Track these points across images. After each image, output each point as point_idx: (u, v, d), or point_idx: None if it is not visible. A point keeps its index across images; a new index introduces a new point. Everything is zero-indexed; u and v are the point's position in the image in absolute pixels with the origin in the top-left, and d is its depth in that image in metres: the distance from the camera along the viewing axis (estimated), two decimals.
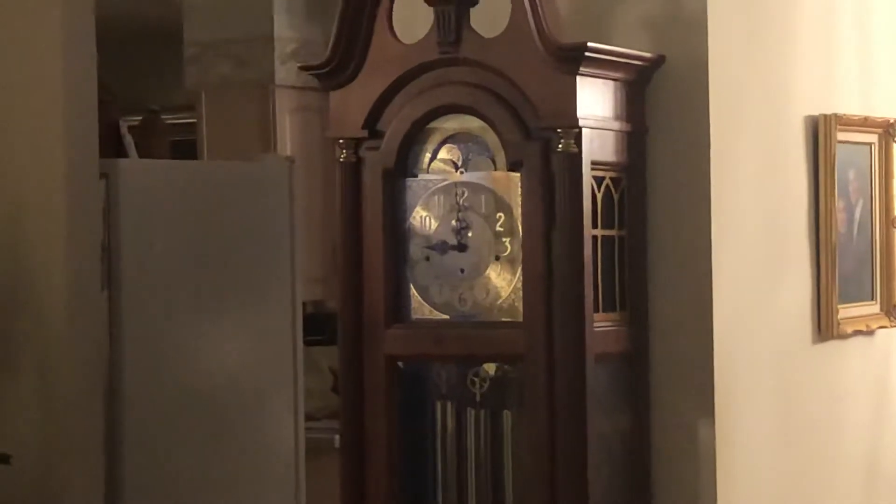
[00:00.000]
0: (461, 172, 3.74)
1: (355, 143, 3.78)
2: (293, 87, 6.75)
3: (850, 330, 4.29)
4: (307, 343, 5.41)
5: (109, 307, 4.52)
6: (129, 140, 5.11)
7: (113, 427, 4.50)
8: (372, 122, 3.76)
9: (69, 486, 4.29)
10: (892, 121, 4.49)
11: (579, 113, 3.57)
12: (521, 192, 3.64)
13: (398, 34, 3.75)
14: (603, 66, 3.64)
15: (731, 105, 3.87)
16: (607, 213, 3.71)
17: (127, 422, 4.53)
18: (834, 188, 4.21)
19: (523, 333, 3.63)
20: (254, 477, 4.90)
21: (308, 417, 5.31)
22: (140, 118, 6.07)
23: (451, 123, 3.73)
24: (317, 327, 6.62)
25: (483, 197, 3.72)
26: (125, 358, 4.53)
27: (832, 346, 4.26)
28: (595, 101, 3.64)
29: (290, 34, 6.79)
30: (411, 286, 3.77)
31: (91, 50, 4.39)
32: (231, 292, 4.87)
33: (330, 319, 6.12)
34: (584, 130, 3.58)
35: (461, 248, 3.73)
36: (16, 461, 4.10)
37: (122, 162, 4.81)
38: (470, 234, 3.72)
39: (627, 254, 3.78)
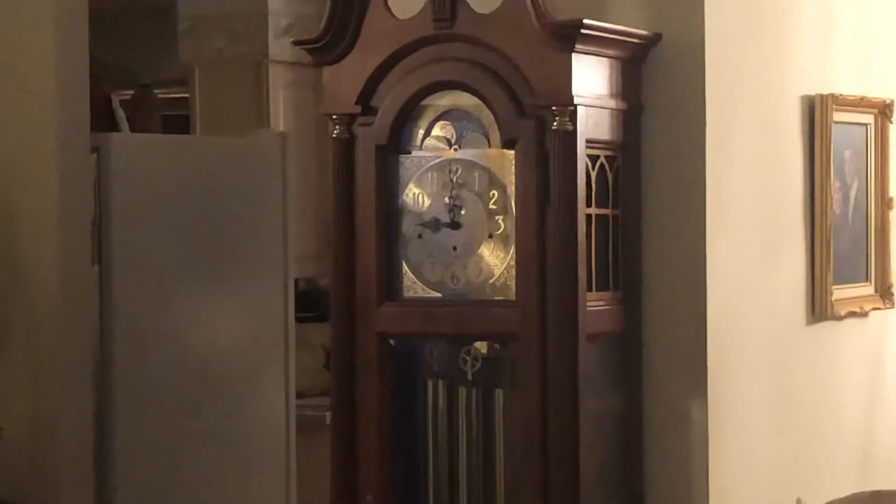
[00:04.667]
0: (455, 149, 3.71)
1: (349, 119, 3.75)
2: (287, 63, 6.70)
3: (843, 311, 4.28)
4: (300, 320, 5.38)
5: (100, 282, 4.50)
6: (121, 114, 5.08)
7: (103, 402, 4.48)
8: (365, 98, 3.73)
9: (59, 461, 4.27)
10: (888, 101, 4.47)
11: (574, 90, 3.55)
12: (515, 169, 3.62)
13: (393, 9, 3.72)
14: (599, 43, 3.62)
15: (727, 84, 3.85)
16: (601, 191, 3.69)
17: (117, 397, 4.51)
18: (830, 168, 4.19)
19: (516, 312, 3.61)
20: (245, 453, 4.88)
21: (300, 394, 5.29)
22: (132, 92, 6.04)
23: (445, 100, 3.71)
24: (310, 304, 6.60)
25: (477, 174, 3.69)
26: (116, 333, 4.51)
27: (826, 327, 4.24)
28: (590, 78, 3.62)
29: (285, 8, 6.74)
30: (404, 264, 3.75)
31: (83, 23, 4.36)
32: (223, 268, 4.84)
33: (323, 296, 6.10)
34: (579, 108, 3.56)
35: (454, 225, 3.71)
36: (6, 435, 4.08)
37: (114, 136, 4.78)
38: (463, 212, 3.70)
39: (621, 233, 3.76)
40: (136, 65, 7.12)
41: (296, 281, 5.32)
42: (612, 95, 3.70)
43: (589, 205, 3.64)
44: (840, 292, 4.25)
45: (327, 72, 3.78)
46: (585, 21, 3.54)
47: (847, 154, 4.33)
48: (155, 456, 4.62)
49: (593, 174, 3.66)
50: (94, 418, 4.40)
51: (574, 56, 3.55)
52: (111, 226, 4.51)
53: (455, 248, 3.71)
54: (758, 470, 3.97)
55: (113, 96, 5.24)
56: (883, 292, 4.48)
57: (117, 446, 4.52)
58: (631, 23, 3.75)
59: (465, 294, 3.70)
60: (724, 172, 3.84)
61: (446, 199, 3.72)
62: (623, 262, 3.77)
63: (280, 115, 6.71)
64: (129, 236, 4.56)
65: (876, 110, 4.45)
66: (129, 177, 4.57)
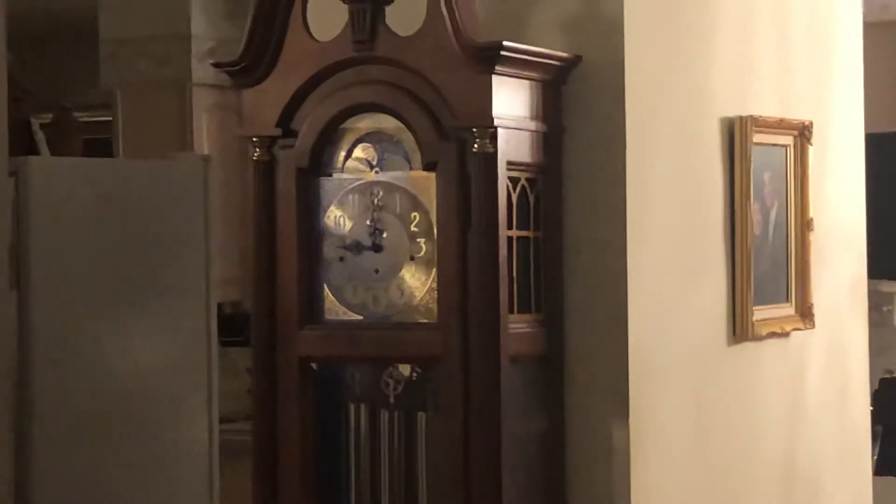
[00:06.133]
0: (376, 172, 3.70)
1: (269, 142, 3.73)
2: (211, 86, 6.69)
3: (765, 332, 4.30)
4: (225, 344, 5.35)
5: (19, 308, 4.45)
6: (40, 137, 5.04)
7: (22, 430, 4.43)
8: (286, 121, 3.72)
9: None
10: (807, 123, 4.50)
11: (495, 113, 3.55)
12: (437, 192, 3.61)
13: (312, 31, 3.71)
14: (519, 65, 3.62)
15: (647, 106, 3.86)
16: (523, 213, 3.69)
17: (37, 425, 4.46)
18: (750, 190, 4.21)
19: (438, 335, 3.60)
20: (167, 479, 4.84)
21: (225, 419, 5.26)
22: (52, 115, 5.99)
23: (366, 122, 3.70)
24: (234, 328, 6.56)
25: (398, 197, 3.68)
26: (35, 360, 4.46)
27: (747, 347, 4.26)
28: (511, 100, 3.62)
29: (208, 32, 6.73)
30: (325, 287, 3.73)
31: (2, 46, 4.32)
32: (144, 293, 4.80)
33: (248, 320, 6.05)
34: (499, 130, 3.56)
35: (376, 248, 3.69)
36: None
37: (33, 159, 4.74)
38: (385, 235, 3.69)
39: (543, 255, 3.76)
40: (57, 88, 7.07)
41: (220, 305, 5.29)
42: (532, 117, 3.70)
43: (510, 227, 3.63)
44: (761, 313, 4.27)
45: (247, 94, 3.76)
46: (505, 43, 3.54)
47: (767, 176, 4.36)
48: (75, 482, 4.57)
49: (514, 196, 3.66)
50: (13, 444, 4.35)
51: (494, 78, 3.55)
52: (30, 250, 4.47)
53: (377, 271, 3.70)
54: (680, 491, 3.97)
55: (32, 119, 5.20)
56: (803, 312, 4.50)
57: (36, 472, 4.46)
58: (551, 45, 3.76)
59: (386, 317, 3.69)
60: (645, 194, 3.85)
61: (368, 222, 3.70)
62: (545, 285, 3.76)
63: (203, 138, 6.69)
64: (49, 260, 4.52)
65: (795, 132, 4.48)
66: (48, 200, 4.53)
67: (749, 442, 4.30)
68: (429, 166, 3.62)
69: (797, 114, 4.50)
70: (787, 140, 4.46)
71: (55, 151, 5.39)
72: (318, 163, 3.71)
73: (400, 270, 3.68)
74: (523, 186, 3.70)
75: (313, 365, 3.75)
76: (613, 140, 3.78)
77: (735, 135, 4.20)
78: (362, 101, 3.67)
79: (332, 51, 3.68)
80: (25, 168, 4.49)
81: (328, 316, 3.73)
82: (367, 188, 3.71)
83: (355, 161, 3.71)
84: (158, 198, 4.87)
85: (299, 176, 3.71)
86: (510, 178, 3.63)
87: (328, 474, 3.76)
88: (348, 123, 3.70)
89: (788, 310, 4.46)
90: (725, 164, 4.19)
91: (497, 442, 3.55)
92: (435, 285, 3.63)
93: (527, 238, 3.72)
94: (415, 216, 3.66)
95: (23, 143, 4.93)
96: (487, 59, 3.54)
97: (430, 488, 3.67)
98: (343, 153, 3.72)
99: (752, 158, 4.21)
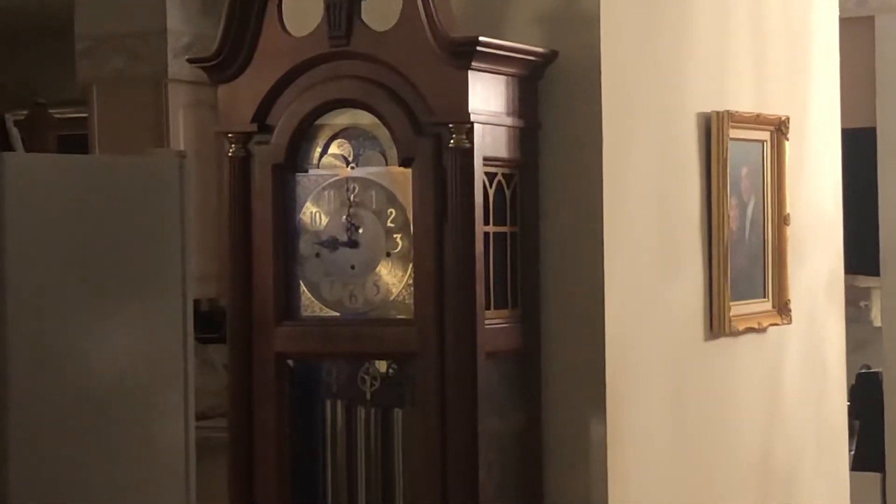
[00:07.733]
0: (352, 168, 3.69)
1: (245, 138, 3.72)
2: (187, 82, 6.68)
3: (742, 327, 4.30)
4: (202, 341, 5.33)
5: None
6: (15, 133, 5.01)
7: None
8: (261, 117, 3.70)
9: None
10: (784, 118, 4.51)
11: (471, 108, 3.54)
12: (413, 187, 3.60)
13: (288, 27, 3.70)
14: (495, 60, 3.62)
15: (623, 101, 3.86)
16: (499, 209, 3.69)
17: (12, 423, 4.44)
18: (726, 185, 4.22)
19: (414, 331, 3.59)
20: (143, 477, 4.82)
21: (202, 416, 5.24)
22: (27, 112, 5.96)
23: (342, 118, 3.69)
24: (212, 325, 6.55)
25: (374, 193, 3.67)
26: (11, 357, 4.43)
27: (724, 343, 4.27)
28: (487, 96, 3.62)
29: (184, 28, 6.72)
30: (301, 283, 3.72)
31: None
32: (121, 290, 4.78)
33: (224, 317, 6.05)
34: (475, 126, 3.55)
35: (352, 244, 3.68)
36: None
37: (8, 155, 4.71)
38: (361, 231, 3.68)
39: (519, 250, 3.76)
40: (32, 84, 7.04)
41: (197, 302, 5.27)
42: (509, 113, 3.70)
43: (487, 223, 3.63)
44: (738, 308, 4.28)
45: (222, 90, 3.75)
46: (481, 38, 3.53)
47: (744, 171, 4.36)
48: (52, 480, 4.55)
49: (491, 192, 3.65)
50: None
51: (470, 73, 3.55)
52: (5, 246, 4.44)
53: (353, 267, 3.69)
54: (657, 486, 3.98)
55: (7, 116, 5.18)
56: (780, 308, 4.51)
57: (13, 471, 4.44)
58: (527, 40, 3.76)
59: (363, 313, 3.68)
60: (622, 189, 3.85)
61: (344, 218, 3.69)
62: (521, 280, 3.76)
63: (180, 135, 6.67)
64: (24, 257, 4.49)
65: (772, 127, 4.48)
66: (23, 197, 4.50)
67: (726, 437, 4.31)
68: (405, 162, 3.61)
69: (774, 109, 4.50)
70: (764, 135, 4.46)
71: (30, 148, 5.37)
72: (294, 159, 3.70)
73: (376, 266, 3.67)
74: (500, 182, 3.69)
75: (289, 361, 3.74)
76: (590, 135, 3.77)
77: (712, 130, 4.20)
78: (338, 97, 3.66)
79: (307, 46, 3.67)
80: (0, 164, 4.47)
81: (304, 312, 3.72)
82: (342, 184, 3.70)
83: (331, 157, 3.70)
84: (135, 194, 4.85)
85: (275, 172, 3.70)
86: (486, 174, 3.63)
87: (305, 471, 3.75)
88: (324, 119, 3.69)
89: (765, 305, 4.47)
90: (702, 160, 4.19)
91: (473, 437, 3.54)
92: (411, 281, 3.62)
93: (503, 234, 3.71)
94: (391, 212, 3.66)
95: None
96: (463, 54, 3.53)
97: (407, 484, 3.66)
98: (319, 149, 3.71)
99: (728, 153, 4.21)
